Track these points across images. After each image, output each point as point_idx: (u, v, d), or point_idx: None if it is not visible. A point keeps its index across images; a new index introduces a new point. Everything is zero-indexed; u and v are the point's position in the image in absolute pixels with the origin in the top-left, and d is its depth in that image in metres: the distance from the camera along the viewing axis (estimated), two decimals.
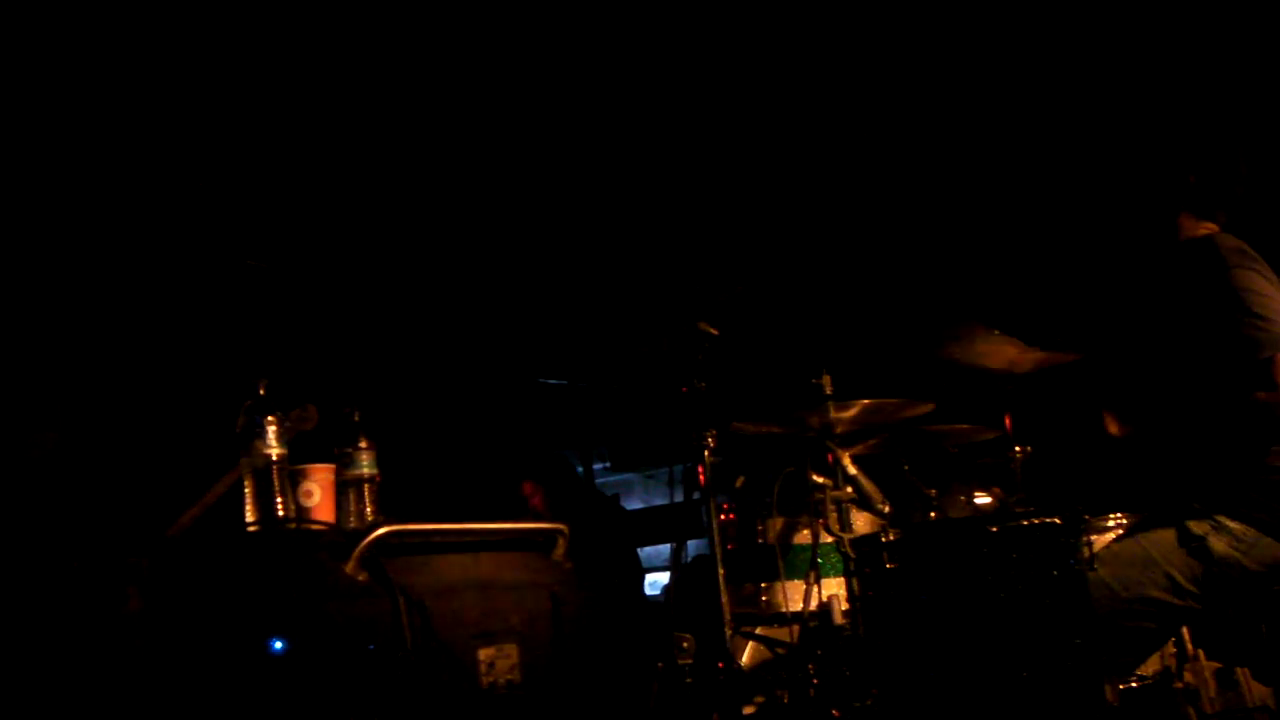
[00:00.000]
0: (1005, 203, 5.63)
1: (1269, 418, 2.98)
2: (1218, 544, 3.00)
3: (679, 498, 3.76)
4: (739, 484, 4.23)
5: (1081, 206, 3.39)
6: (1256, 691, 3.74)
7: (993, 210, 5.71)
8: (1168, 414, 3.21)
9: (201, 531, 3.99)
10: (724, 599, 3.42)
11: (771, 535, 3.88)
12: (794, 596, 3.81)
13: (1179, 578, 3.00)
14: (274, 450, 2.73)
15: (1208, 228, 3.27)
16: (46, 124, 4.75)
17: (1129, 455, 3.28)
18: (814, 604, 3.63)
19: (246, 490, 2.73)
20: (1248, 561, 2.99)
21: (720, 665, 3.45)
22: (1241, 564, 2.99)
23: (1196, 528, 3.02)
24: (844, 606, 3.56)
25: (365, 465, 2.88)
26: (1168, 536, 3.04)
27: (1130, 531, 3.21)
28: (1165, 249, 3.27)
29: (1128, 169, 3.30)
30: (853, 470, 3.41)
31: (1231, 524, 3.01)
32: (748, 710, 3.74)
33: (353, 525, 2.81)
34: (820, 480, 3.33)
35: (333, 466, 2.86)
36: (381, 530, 2.64)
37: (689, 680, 3.23)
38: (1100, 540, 3.15)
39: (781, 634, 3.88)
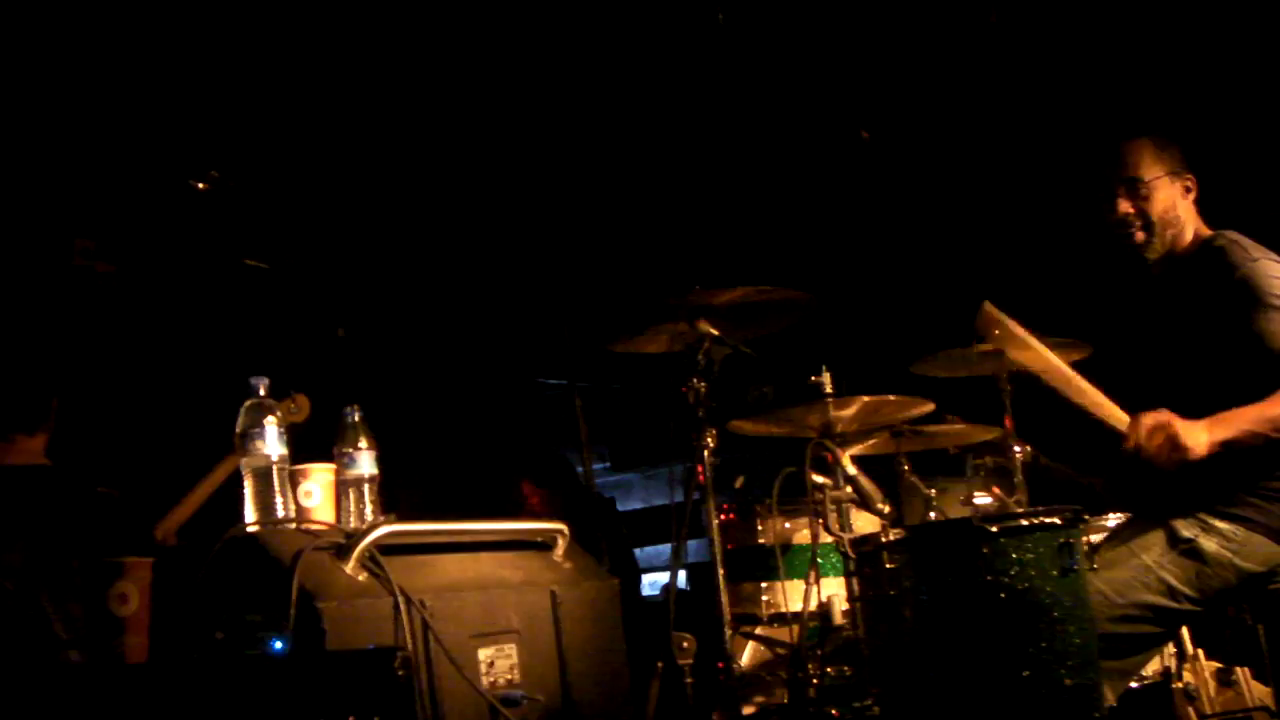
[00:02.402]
0: (1013, 199, 5.63)
1: None
2: (1208, 544, 2.99)
3: (679, 498, 3.75)
4: (739, 484, 4.23)
5: (1086, 206, 3.36)
6: (1256, 691, 3.74)
7: (1001, 207, 5.71)
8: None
9: (200, 531, 4.00)
10: (724, 599, 3.42)
11: (771, 535, 3.89)
12: (794, 596, 3.81)
13: (1174, 581, 2.99)
14: (274, 451, 2.73)
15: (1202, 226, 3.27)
16: (48, 125, 4.75)
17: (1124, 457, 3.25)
18: (814, 604, 3.63)
19: (247, 491, 2.73)
20: (1240, 560, 2.98)
21: (720, 665, 3.45)
22: (1235, 563, 2.98)
23: (1185, 529, 3.01)
24: (844, 606, 3.57)
25: (365, 465, 2.87)
26: (1157, 540, 3.03)
27: (1118, 535, 3.19)
28: (1178, 246, 3.26)
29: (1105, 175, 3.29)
30: (853, 470, 3.40)
31: (1219, 523, 3.00)
32: (748, 710, 3.74)
33: (353, 525, 2.81)
34: (820, 480, 3.33)
35: (333, 466, 2.86)
36: (381, 530, 2.64)
37: (689, 680, 3.22)
38: (1100, 540, 3.14)
39: (781, 634, 3.88)
